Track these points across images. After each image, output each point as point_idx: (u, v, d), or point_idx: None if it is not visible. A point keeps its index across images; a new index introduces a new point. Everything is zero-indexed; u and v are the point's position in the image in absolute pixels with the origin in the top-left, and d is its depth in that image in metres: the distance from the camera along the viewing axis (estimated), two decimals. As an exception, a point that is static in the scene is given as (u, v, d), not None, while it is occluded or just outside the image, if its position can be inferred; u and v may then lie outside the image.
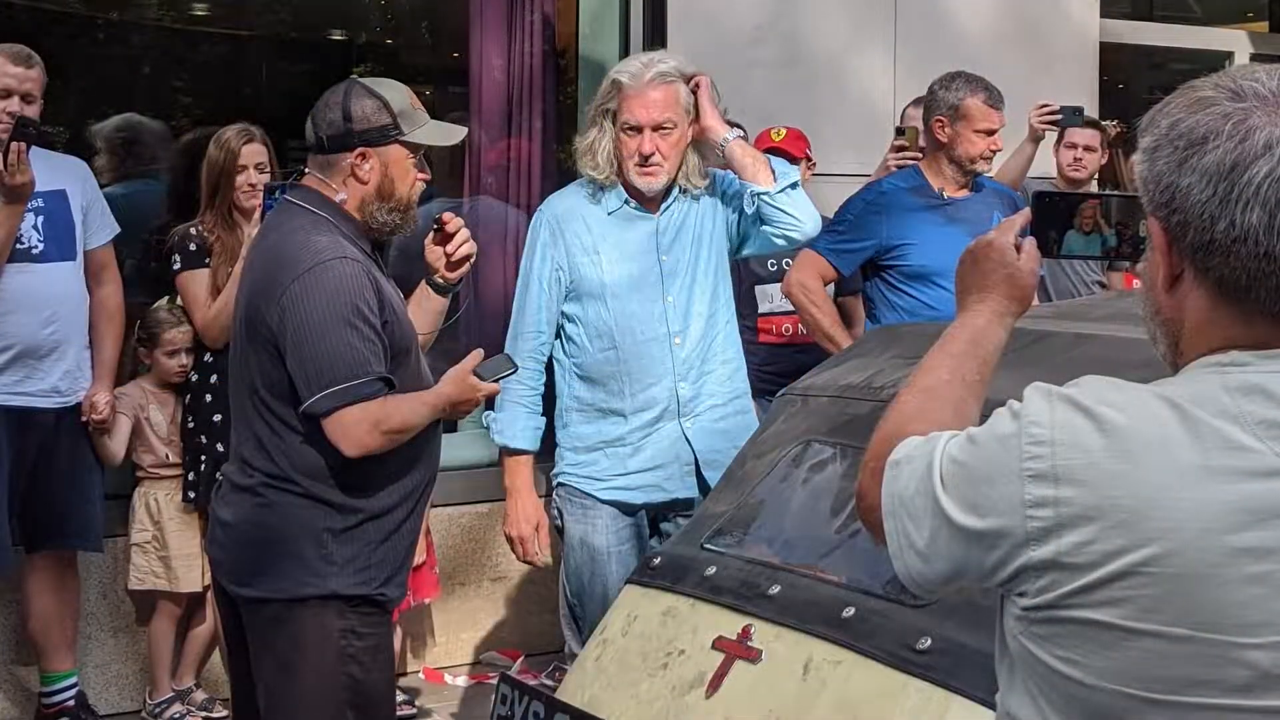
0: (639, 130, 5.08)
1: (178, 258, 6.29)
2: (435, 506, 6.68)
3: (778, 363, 6.66)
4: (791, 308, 6.36)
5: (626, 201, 5.21)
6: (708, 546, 4.20)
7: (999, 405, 2.05)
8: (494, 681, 4.70)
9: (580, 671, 4.23)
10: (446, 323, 4.66)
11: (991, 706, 2.16)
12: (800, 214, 5.13)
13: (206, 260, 6.26)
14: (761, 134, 7.05)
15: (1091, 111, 8.54)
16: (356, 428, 4.01)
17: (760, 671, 3.74)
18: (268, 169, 6.26)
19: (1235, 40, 10.39)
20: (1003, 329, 2.43)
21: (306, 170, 4.28)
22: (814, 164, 7.17)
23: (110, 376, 6.23)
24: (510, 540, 5.30)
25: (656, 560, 4.30)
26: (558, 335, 5.26)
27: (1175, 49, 10.44)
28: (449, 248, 4.51)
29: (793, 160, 6.41)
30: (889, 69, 8.39)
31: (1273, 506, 1.86)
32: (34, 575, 6.20)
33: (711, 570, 4.07)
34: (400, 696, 6.16)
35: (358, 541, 4.14)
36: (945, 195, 6.19)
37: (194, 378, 6.34)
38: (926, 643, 3.41)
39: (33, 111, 5.90)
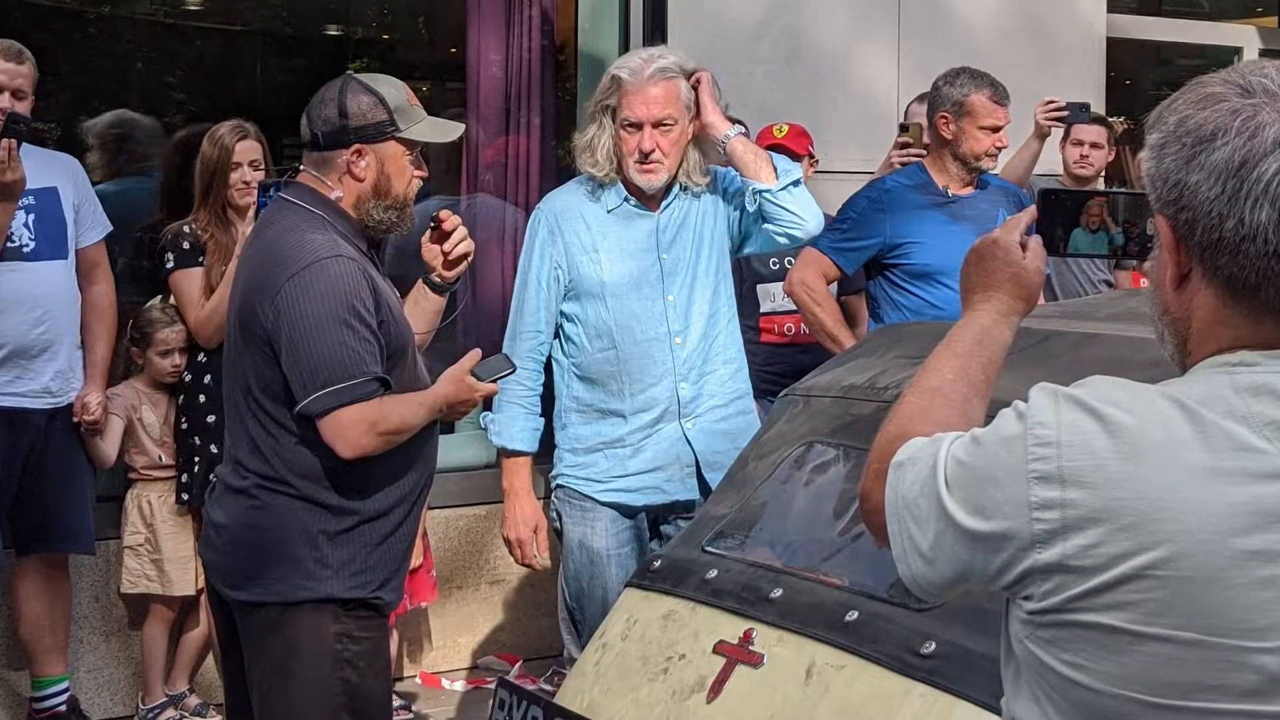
0: (639, 127, 5.06)
1: (171, 256, 6.25)
2: (432, 509, 6.67)
3: (780, 363, 6.65)
4: (793, 307, 6.33)
5: (626, 199, 5.18)
6: (709, 549, 4.18)
7: (1004, 406, 2.03)
8: (492, 686, 4.68)
9: (579, 676, 4.21)
10: (444, 322, 4.66)
11: (997, 711, 2.18)
12: (802, 212, 5.11)
13: (200, 259, 6.22)
14: (763, 130, 7.03)
15: (1098, 108, 8.53)
16: (352, 429, 3.99)
17: (762, 676, 3.72)
18: (262, 166, 6.22)
19: (1244, 35, 10.38)
20: (1008, 328, 2.42)
21: (302, 167, 4.27)
22: (816, 161, 7.16)
23: (102, 377, 6.20)
24: (508, 543, 5.28)
25: (657, 563, 4.29)
26: (556, 335, 5.24)
27: (1183, 44, 10.45)
28: (446, 246, 4.49)
29: (795, 157, 6.36)
30: (892, 65, 8.37)
31: (1283, 509, 1.85)
32: (25, 578, 6.17)
33: (712, 573, 4.05)
34: (397, 701, 6.17)
35: (353, 544, 4.12)
36: (950, 193, 6.15)
37: (187, 378, 6.30)
38: (931, 647, 3.39)
39: (24, 108, 5.87)
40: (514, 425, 5.19)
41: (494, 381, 4.25)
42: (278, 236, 4.11)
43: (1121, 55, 9.78)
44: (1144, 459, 1.87)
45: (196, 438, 6.24)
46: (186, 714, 6.46)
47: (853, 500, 3.57)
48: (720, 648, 3.83)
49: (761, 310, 6.88)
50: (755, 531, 4.25)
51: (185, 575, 6.30)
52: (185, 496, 6.26)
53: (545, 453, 5.36)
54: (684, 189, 5.20)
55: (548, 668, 6.93)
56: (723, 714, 3.72)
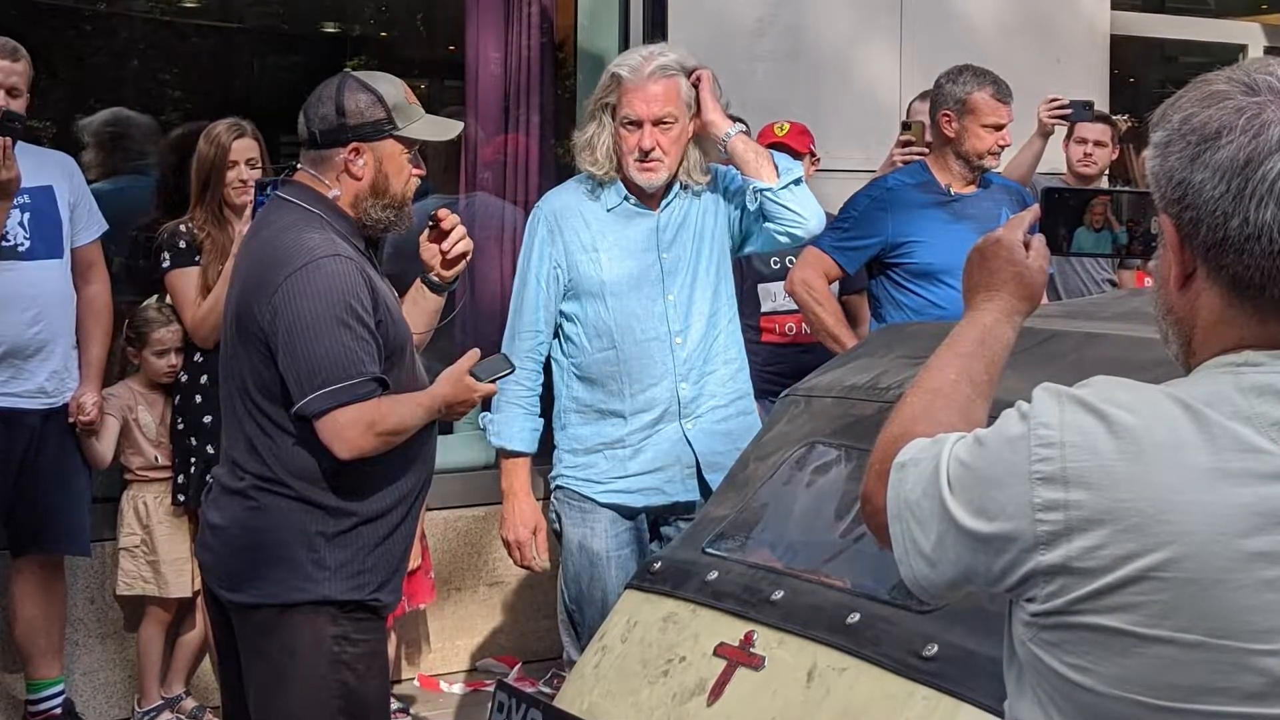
0: (639, 125, 5.04)
1: (167, 255, 6.23)
2: (430, 510, 6.68)
3: (781, 363, 6.64)
4: (795, 306, 6.32)
5: (626, 198, 5.16)
6: (709, 551, 4.17)
7: (1007, 406, 2.03)
8: (490, 689, 4.66)
9: (579, 679, 4.20)
10: (442, 322, 4.65)
11: (1000, 714, 2.17)
12: (804, 210, 5.09)
13: (196, 258, 6.20)
14: (764, 129, 7.02)
15: (1102, 106, 8.52)
16: (350, 429, 3.97)
17: (763, 679, 3.70)
18: (259, 164, 6.20)
19: (1249, 33, 10.35)
20: (1011, 328, 2.41)
21: (299, 166, 4.26)
22: (818, 159, 7.14)
23: (98, 377, 6.18)
24: (507, 544, 5.25)
25: (657, 565, 4.27)
26: (556, 335, 5.22)
27: (1187, 41, 10.43)
28: (444, 245, 4.48)
29: (796, 155, 6.33)
30: (895, 62, 8.36)
31: (1287, 510, 1.84)
32: (20, 580, 6.14)
33: (713, 575, 4.04)
34: (395, 704, 6.15)
35: (351, 546, 4.10)
36: (952, 191, 6.14)
37: (183, 378, 6.28)
38: (933, 649, 3.37)
39: (19, 106, 5.84)
40: (513, 426, 5.16)
41: (493, 382, 4.24)
42: (275, 235, 4.10)
43: (1126, 53, 9.76)
44: (1148, 460, 1.86)
45: (193, 438, 6.22)
46: (183, 716, 6.45)
47: (854, 501, 3.56)
48: (721, 650, 3.81)
49: (763, 310, 6.87)
50: (756, 533, 4.23)
51: (181, 577, 6.28)
52: (181, 498, 6.24)
53: (545, 453, 5.34)
54: (684, 188, 5.18)
55: (547, 670, 6.93)
56: (723, 717, 3.69)
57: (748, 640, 3.77)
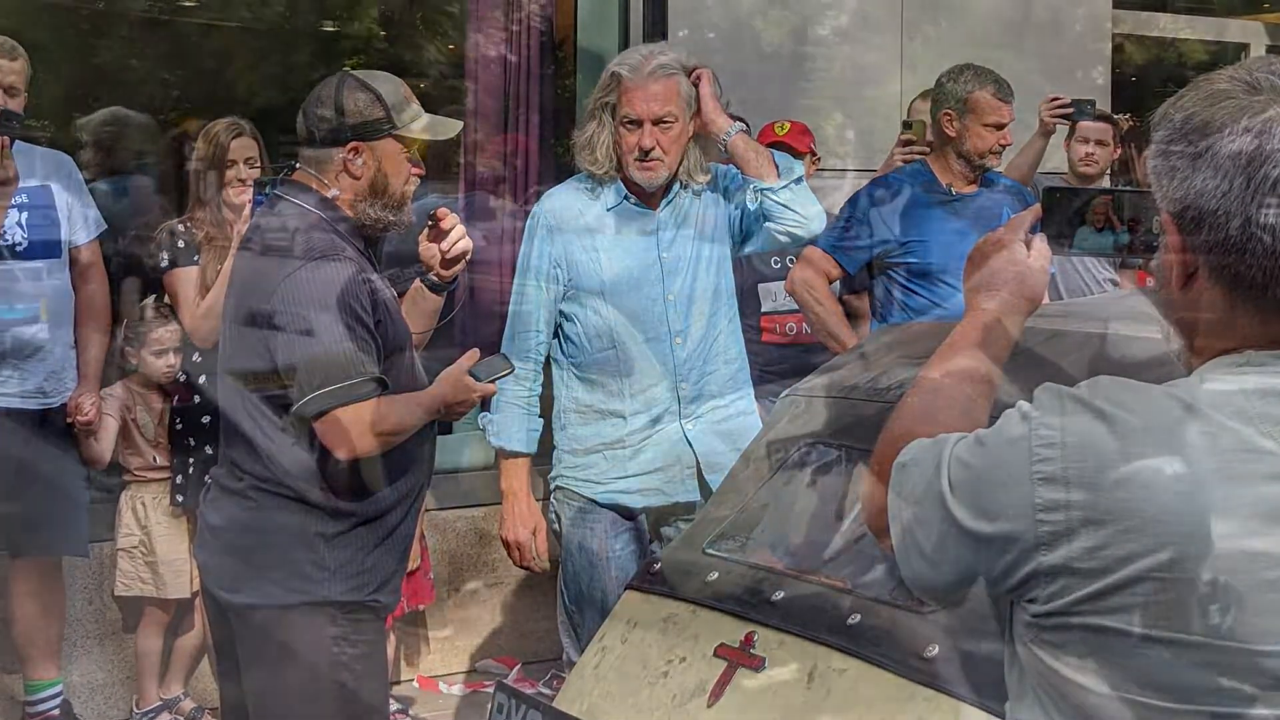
0: (639, 124, 5.04)
1: (165, 255, 6.22)
2: (430, 510, 6.66)
3: (781, 363, 6.64)
4: (795, 306, 6.32)
5: (626, 197, 5.15)
6: (709, 551, 4.17)
7: (1008, 406, 2.03)
8: (490, 690, 4.65)
9: (579, 679, 4.19)
10: (441, 321, 4.64)
11: (1000, 715, 2.18)
12: (804, 210, 5.09)
13: (195, 258, 6.19)
14: (765, 128, 7.02)
15: (1104, 105, 8.50)
16: (349, 429, 3.97)
17: (763, 680, 3.70)
18: (258, 164, 6.20)
19: (1252, 32, 10.36)
20: (1012, 328, 2.42)
21: (298, 165, 4.25)
22: (818, 159, 7.16)
23: (96, 377, 6.16)
24: (507, 545, 5.24)
25: (657, 565, 4.27)
26: (556, 335, 5.20)
27: (1190, 40, 10.41)
28: (444, 244, 4.47)
29: (796, 155, 6.33)
30: (896, 61, 8.34)
31: (1289, 510, 1.84)
32: (17, 581, 6.13)
33: (713, 576, 4.04)
34: (394, 705, 6.14)
35: (350, 546, 4.10)
36: (953, 191, 6.14)
37: (182, 378, 6.27)
38: (934, 650, 3.37)
39: (16, 104, 5.84)
40: (512, 426, 5.15)
41: (492, 382, 4.23)
42: (273, 235, 4.09)
43: (1128, 52, 9.75)
44: (1150, 460, 1.85)
45: (191, 439, 6.21)
46: (181, 718, 6.44)
47: (854, 502, 3.56)
48: (721, 651, 3.81)
49: (763, 309, 6.86)
50: (757, 533, 4.22)
51: (180, 578, 6.28)
52: (180, 498, 6.24)
53: (545, 453, 5.33)
54: (684, 187, 5.18)
55: (547, 671, 6.92)
56: (723, 718, 3.68)
57: (748, 641, 3.76)
